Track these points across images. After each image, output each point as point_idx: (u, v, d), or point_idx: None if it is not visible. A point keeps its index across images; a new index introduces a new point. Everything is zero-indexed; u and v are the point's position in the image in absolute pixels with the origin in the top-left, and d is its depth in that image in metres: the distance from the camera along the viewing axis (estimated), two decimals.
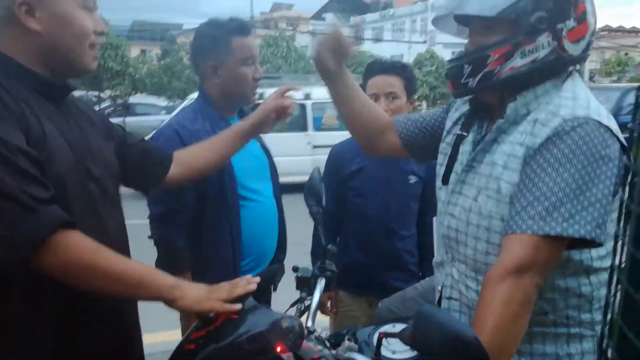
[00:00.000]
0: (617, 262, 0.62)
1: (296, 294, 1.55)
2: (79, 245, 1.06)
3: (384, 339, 1.15)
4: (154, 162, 1.46)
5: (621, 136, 1.04)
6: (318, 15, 48.96)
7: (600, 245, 0.99)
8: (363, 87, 2.08)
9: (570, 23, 1.09)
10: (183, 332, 1.72)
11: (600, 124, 1.02)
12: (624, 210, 0.60)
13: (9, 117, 1.04)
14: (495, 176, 1.12)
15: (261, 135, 1.86)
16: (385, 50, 26.59)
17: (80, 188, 1.17)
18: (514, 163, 1.09)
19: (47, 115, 1.14)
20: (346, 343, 1.43)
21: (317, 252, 2.02)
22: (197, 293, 1.15)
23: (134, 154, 1.42)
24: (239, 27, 1.75)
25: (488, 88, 1.16)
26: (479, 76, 1.13)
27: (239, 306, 1.18)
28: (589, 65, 24.99)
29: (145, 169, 1.45)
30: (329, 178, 2.03)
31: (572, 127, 1.02)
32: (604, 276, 1.10)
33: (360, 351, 1.32)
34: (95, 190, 1.22)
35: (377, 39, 38.64)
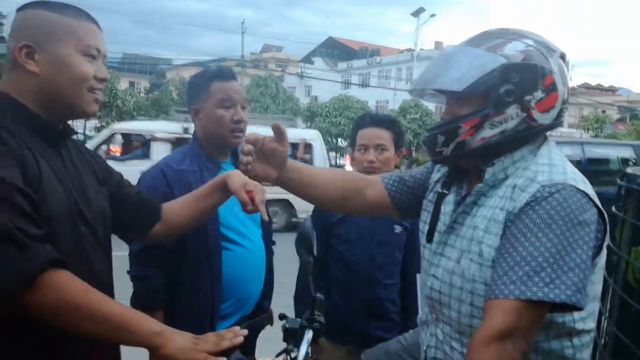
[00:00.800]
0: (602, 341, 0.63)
1: (280, 342, 1.55)
2: (69, 285, 1.05)
3: None
4: (143, 215, 1.47)
5: (597, 201, 1.07)
6: (307, 59, 49.93)
7: (581, 309, 1.00)
8: (353, 137, 2.14)
9: (538, 94, 1.13)
10: None
11: (577, 189, 1.05)
12: (609, 290, 0.62)
13: (7, 155, 1.06)
14: (477, 240, 1.13)
15: None
16: (371, 96, 27.12)
17: (70, 229, 1.17)
18: (495, 227, 1.11)
19: (45, 157, 1.15)
20: None
21: (303, 299, 2.01)
22: (181, 342, 1.11)
23: (127, 203, 1.44)
24: (219, 72, 1.84)
25: (461, 156, 1.20)
26: (452, 146, 1.18)
27: (223, 359, 1.17)
28: (568, 119, 25.73)
29: (133, 220, 1.45)
30: (315, 225, 2.05)
31: (550, 192, 1.04)
32: (586, 338, 1.12)
33: None
34: (86, 233, 1.22)
35: (364, 85, 39.44)
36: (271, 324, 1.80)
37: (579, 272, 0.99)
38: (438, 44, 48.81)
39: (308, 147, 9.89)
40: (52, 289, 1.02)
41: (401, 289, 2.11)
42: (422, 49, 37.34)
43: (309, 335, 1.55)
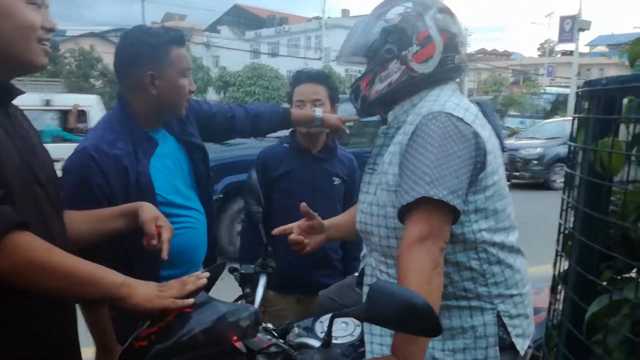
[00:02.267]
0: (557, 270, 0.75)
1: (233, 294, 1.59)
2: (32, 245, 1.05)
3: (334, 322, 1.21)
4: None
5: (474, 124, 1.26)
6: (213, 28, 48.33)
7: (458, 212, 1.17)
8: (290, 94, 2.19)
9: (414, 48, 1.32)
10: None
11: (451, 115, 1.23)
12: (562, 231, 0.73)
13: None
14: (384, 172, 1.32)
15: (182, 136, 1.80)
16: (281, 65, 26.90)
17: (26, 191, 1.14)
18: (395, 158, 1.30)
19: None
20: (296, 330, 1.50)
21: (252, 250, 2.05)
22: (146, 291, 1.14)
23: None
24: (178, 37, 1.68)
25: (367, 108, 1.43)
26: (359, 100, 1.42)
27: (190, 301, 1.20)
28: (468, 85, 27.17)
29: None
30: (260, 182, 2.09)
31: (428, 119, 1.23)
32: (493, 251, 1.30)
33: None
34: (41, 194, 1.19)
35: (274, 54, 39.00)
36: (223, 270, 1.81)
37: (454, 178, 1.16)
38: (345, 12, 49.16)
39: (82, 114, 8.37)
40: (17, 250, 1.02)
41: None
42: (329, 17, 37.50)
43: (263, 279, 1.62)
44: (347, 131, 2.02)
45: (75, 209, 1.44)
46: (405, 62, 1.32)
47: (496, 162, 1.29)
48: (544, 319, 1.67)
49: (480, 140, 1.23)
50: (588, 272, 0.65)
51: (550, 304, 0.80)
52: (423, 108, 1.29)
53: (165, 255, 1.40)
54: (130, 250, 1.58)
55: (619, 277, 0.69)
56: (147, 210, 1.42)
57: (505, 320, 1.31)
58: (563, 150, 10.57)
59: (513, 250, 1.34)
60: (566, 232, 0.73)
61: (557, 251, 0.78)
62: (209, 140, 1.95)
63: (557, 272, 0.76)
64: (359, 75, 1.43)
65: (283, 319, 2.13)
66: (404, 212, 1.17)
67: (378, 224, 1.35)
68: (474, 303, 1.29)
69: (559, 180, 10.40)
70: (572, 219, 0.72)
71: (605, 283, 0.68)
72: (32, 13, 1.13)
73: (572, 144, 0.74)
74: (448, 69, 1.35)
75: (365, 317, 1.07)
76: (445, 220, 1.16)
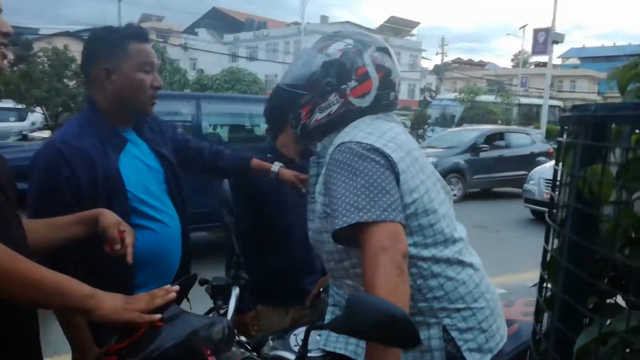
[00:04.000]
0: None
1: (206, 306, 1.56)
2: None
3: (313, 334, 1.19)
4: None
5: (386, 149, 1.28)
6: (190, 30, 48.05)
7: (403, 225, 1.19)
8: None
9: (352, 83, 1.39)
10: None
11: (359, 143, 1.28)
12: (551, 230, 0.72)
13: None
14: (316, 200, 1.40)
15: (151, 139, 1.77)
16: (259, 69, 26.84)
17: None
18: (321, 187, 1.37)
19: None
20: (270, 342, 1.47)
21: (230, 263, 2.02)
22: (113, 303, 1.11)
23: None
24: (137, 32, 1.66)
25: (307, 135, 1.49)
26: (299, 127, 1.48)
27: (158, 316, 1.16)
28: (444, 94, 27.54)
29: None
30: (238, 193, 2.06)
31: (338, 149, 1.29)
32: (424, 266, 1.30)
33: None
34: (2, 198, 1.15)
35: (252, 58, 38.92)
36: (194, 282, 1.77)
37: (383, 196, 1.18)
38: (324, 18, 49.43)
39: None
40: None
41: None
42: (308, 23, 37.63)
43: (236, 291, 1.59)
44: (303, 189, 1.99)
45: (42, 202, 1.44)
46: (344, 96, 1.39)
47: (415, 180, 1.31)
48: (515, 331, 1.68)
49: (390, 160, 1.26)
50: (575, 298, 0.63)
51: (535, 332, 0.78)
52: (338, 138, 1.36)
53: (130, 259, 1.36)
54: (100, 259, 1.51)
55: (604, 302, 0.68)
56: (108, 216, 1.38)
57: (454, 334, 1.30)
58: (459, 160, 10.51)
59: (452, 262, 1.33)
60: (550, 257, 0.72)
61: (541, 276, 0.76)
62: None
63: (541, 298, 0.74)
64: (297, 106, 1.47)
65: (273, 330, 2.12)
66: (349, 235, 1.19)
67: (320, 248, 1.43)
68: (418, 319, 1.29)
69: (455, 190, 10.12)
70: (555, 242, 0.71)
71: (591, 307, 0.67)
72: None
73: (559, 168, 0.72)
74: (383, 105, 1.42)
75: (344, 329, 1.05)
76: (396, 231, 1.17)
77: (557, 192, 0.72)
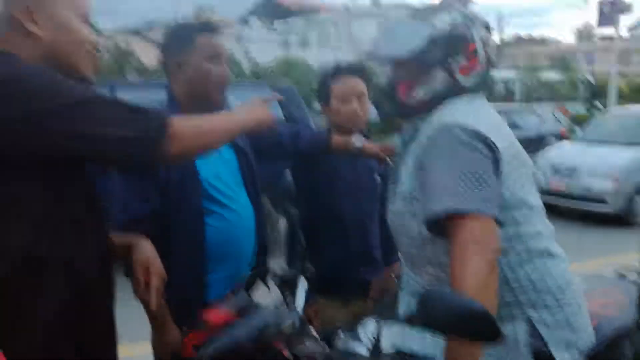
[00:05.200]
0: None
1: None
2: (188, 124, 1.26)
3: (383, 328, 1.17)
4: None
5: (490, 134, 1.22)
6: (243, 20, 48.59)
7: (498, 221, 1.13)
8: (326, 88, 2.11)
9: (461, 60, 1.31)
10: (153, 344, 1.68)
11: (462, 126, 1.21)
12: None
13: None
14: (402, 181, 1.35)
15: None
16: (312, 57, 26.87)
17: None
18: (410, 168, 1.32)
19: None
20: (341, 335, 1.47)
21: (293, 254, 2.02)
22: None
23: None
24: (204, 25, 1.75)
25: (399, 113, 1.41)
26: (392, 105, 1.39)
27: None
28: (504, 73, 26.54)
29: None
30: (299, 183, 2.05)
31: (440, 131, 1.23)
32: (514, 258, 1.26)
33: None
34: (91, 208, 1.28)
35: (303, 44, 38.91)
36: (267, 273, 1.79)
37: (484, 187, 1.13)
38: (375, 1, 48.69)
39: None
40: (179, 133, 1.19)
41: (381, 232, 2.18)
42: (358, 6, 37.10)
43: (303, 282, 1.59)
44: (389, 161, 1.94)
45: (123, 183, 1.62)
46: (451, 72, 1.32)
47: (515, 172, 1.26)
48: (595, 325, 1.59)
49: (494, 149, 1.20)
50: None
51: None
52: (436, 118, 1.28)
53: (153, 306, 1.36)
54: (170, 243, 1.64)
55: None
56: (140, 251, 1.39)
57: (541, 329, 1.25)
58: None
59: (542, 254, 1.28)
60: None
61: None
62: (256, 156, 1.96)
63: None
64: (391, 75, 1.39)
65: (334, 324, 2.12)
66: (442, 222, 1.13)
67: (400, 232, 1.38)
68: (503, 312, 1.23)
69: None
70: None
71: None
72: (84, 29, 1.23)
73: None
74: (483, 84, 1.35)
75: (419, 323, 1.02)
76: (489, 226, 1.12)
77: None
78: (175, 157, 1.21)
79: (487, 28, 1.37)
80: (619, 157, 7.17)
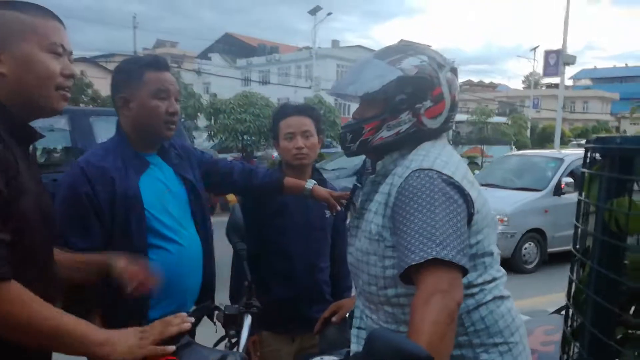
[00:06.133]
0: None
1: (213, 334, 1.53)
2: (18, 298, 1.04)
3: None
4: None
5: (464, 185, 1.24)
6: (204, 55, 48.84)
7: (466, 271, 1.13)
8: (275, 128, 2.16)
9: (427, 103, 1.32)
10: None
11: (440, 173, 1.21)
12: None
13: None
14: (369, 220, 1.32)
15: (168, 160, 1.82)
16: (272, 93, 27.09)
17: (36, 230, 1.15)
18: (380, 209, 1.29)
19: (19, 156, 1.13)
20: None
21: (240, 289, 2.00)
22: (126, 345, 1.13)
23: None
24: (153, 61, 1.74)
25: (364, 152, 1.40)
26: (357, 143, 1.37)
27: (172, 348, 1.16)
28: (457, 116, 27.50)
29: None
30: (248, 218, 2.04)
31: (418, 176, 1.22)
32: (471, 302, 1.27)
33: None
34: (45, 233, 1.20)
35: (264, 82, 39.36)
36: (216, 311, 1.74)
37: (457, 237, 1.13)
38: (335, 42, 49.98)
39: None
40: (2, 303, 1.01)
41: (331, 269, 2.18)
42: (320, 47, 38.04)
43: (248, 320, 1.57)
44: (338, 207, 1.97)
45: (66, 218, 1.53)
46: (417, 115, 1.32)
47: (483, 222, 1.28)
48: None
49: (469, 199, 1.22)
50: (602, 329, 0.61)
51: None
52: (413, 162, 1.28)
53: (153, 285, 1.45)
54: (115, 281, 1.55)
55: (633, 333, 0.65)
56: (118, 263, 1.44)
57: None
58: (346, 183, 9.28)
59: (495, 297, 1.30)
60: (576, 288, 0.70)
61: (567, 306, 0.74)
62: (208, 188, 1.96)
63: (568, 328, 0.71)
64: (358, 119, 1.39)
65: (279, 358, 2.08)
66: (411, 270, 1.12)
67: (362, 269, 1.35)
68: (456, 352, 1.23)
69: None
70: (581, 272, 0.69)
71: (619, 337, 0.65)
72: (52, 62, 1.19)
73: (583, 199, 0.70)
74: (447, 127, 1.37)
75: None
76: (457, 278, 1.12)
77: (580, 223, 0.70)
78: None
79: (453, 71, 1.38)
80: (510, 201, 6.97)
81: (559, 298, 1.38)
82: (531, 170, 7.90)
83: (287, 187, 2.01)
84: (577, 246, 0.69)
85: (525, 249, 7.00)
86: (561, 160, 7.56)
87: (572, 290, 0.69)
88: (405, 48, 1.37)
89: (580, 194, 0.72)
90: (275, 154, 17.44)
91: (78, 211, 1.57)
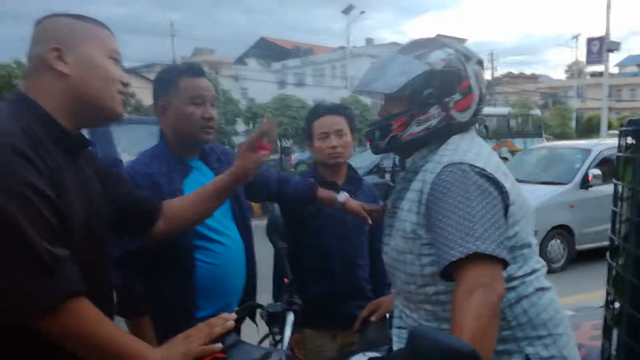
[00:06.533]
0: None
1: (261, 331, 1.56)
2: (87, 315, 1.06)
3: None
4: (142, 214, 1.47)
5: (497, 176, 1.22)
6: (240, 61, 49.48)
7: (507, 264, 1.12)
8: (309, 129, 2.18)
9: (456, 97, 1.31)
10: None
11: (472, 166, 1.20)
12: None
13: (41, 167, 1.04)
14: (403, 219, 1.31)
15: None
16: (307, 94, 27.22)
17: (84, 244, 1.16)
18: (414, 206, 1.28)
19: (66, 169, 1.14)
20: None
21: (281, 288, 2.03)
22: (177, 356, 1.16)
23: (125, 203, 1.42)
24: (188, 68, 1.81)
25: (393, 149, 1.40)
26: (386, 140, 1.37)
27: (219, 346, 1.20)
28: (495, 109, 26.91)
29: (133, 220, 1.46)
30: (286, 218, 2.08)
31: (450, 170, 1.21)
32: (513, 295, 1.25)
33: None
34: (94, 246, 1.22)
35: (300, 84, 39.59)
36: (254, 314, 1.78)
37: (496, 230, 1.12)
38: (369, 41, 49.73)
39: None
40: (71, 318, 1.03)
41: (370, 267, 2.19)
42: (354, 47, 37.95)
43: (290, 317, 1.60)
44: (369, 221, 1.97)
45: None
46: (446, 109, 1.31)
47: (519, 212, 1.27)
48: (584, 356, 1.59)
49: (504, 191, 1.21)
50: None
51: (604, 348, 0.74)
52: (444, 157, 1.27)
53: None
54: (163, 283, 1.68)
55: None
56: (241, 155, 1.53)
57: None
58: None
59: (537, 289, 1.29)
60: (616, 273, 0.69)
61: (607, 293, 0.73)
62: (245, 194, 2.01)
63: (609, 315, 0.71)
64: (386, 116, 1.38)
65: (321, 355, 2.11)
66: (451, 267, 1.12)
67: (398, 268, 1.35)
68: (500, 347, 1.22)
69: None
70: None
71: None
72: (114, 67, 1.23)
73: (619, 182, 0.70)
74: (476, 120, 1.35)
75: None
76: (498, 271, 1.11)
77: (618, 207, 0.69)
78: (46, 331, 1.02)
79: (480, 63, 1.37)
80: (533, 196, 6.24)
81: (588, 299, 1.35)
82: (558, 162, 7.49)
83: (319, 198, 2.04)
84: (616, 232, 0.68)
85: (551, 246, 6.63)
86: (588, 151, 7.10)
87: (612, 275, 0.68)
88: (429, 42, 1.37)
89: (616, 179, 0.71)
90: (295, 156, 17.48)
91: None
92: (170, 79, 1.78)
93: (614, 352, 0.70)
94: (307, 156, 16.24)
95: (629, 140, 0.65)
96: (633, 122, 0.63)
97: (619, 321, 0.64)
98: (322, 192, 2.04)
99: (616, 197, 0.70)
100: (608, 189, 5.87)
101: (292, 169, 15.33)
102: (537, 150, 8.72)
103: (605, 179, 6.49)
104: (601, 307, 2.05)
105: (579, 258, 6.46)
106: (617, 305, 0.69)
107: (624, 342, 0.63)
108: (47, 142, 1.11)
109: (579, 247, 6.67)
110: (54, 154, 1.11)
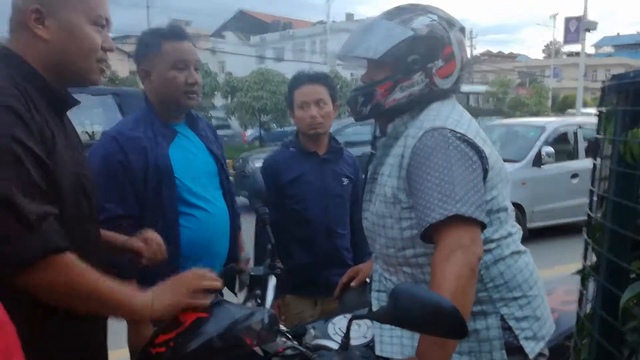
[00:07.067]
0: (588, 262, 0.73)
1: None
2: (73, 268, 1.06)
3: (353, 323, 1.19)
4: None
5: (477, 142, 1.25)
6: (218, 33, 48.55)
7: (485, 226, 1.16)
8: (290, 97, 2.17)
9: (439, 63, 1.31)
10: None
11: (453, 131, 1.22)
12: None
13: (32, 124, 1.03)
14: (383, 184, 1.33)
15: (205, 136, 1.86)
16: (286, 69, 26.97)
17: (75, 203, 1.16)
18: (394, 171, 1.30)
19: (55, 125, 1.13)
20: (311, 332, 1.49)
21: (263, 253, 2.05)
22: (162, 304, 1.17)
23: None
24: (170, 32, 1.76)
25: (377, 115, 1.39)
26: (369, 106, 1.36)
27: (205, 302, 1.21)
28: (475, 86, 27.10)
29: None
30: (267, 185, 2.08)
31: (432, 135, 1.23)
32: (489, 257, 1.29)
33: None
34: (85, 206, 1.22)
35: (279, 59, 39.13)
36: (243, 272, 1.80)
37: (475, 193, 1.15)
38: (349, 16, 49.26)
39: None
40: (52, 273, 1.03)
41: (351, 236, 2.22)
42: (334, 21, 37.58)
43: (273, 281, 1.62)
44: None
45: (101, 186, 1.52)
46: (429, 75, 1.31)
47: (497, 177, 1.30)
48: (556, 319, 1.66)
49: (483, 156, 1.24)
50: (620, 260, 0.64)
51: (582, 294, 0.78)
52: (425, 122, 1.28)
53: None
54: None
55: None
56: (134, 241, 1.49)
57: (511, 323, 1.29)
58: None
59: (513, 252, 1.33)
60: (595, 223, 0.72)
61: (586, 242, 0.76)
62: None
63: (587, 263, 0.74)
64: (369, 82, 1.38)
65: (303, 320, 2.14)
66: (431, 229, 1.15)
67: (378, 233, 1.36)
68: (476, 308, 1.26)
69: None
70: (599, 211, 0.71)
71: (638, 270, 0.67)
72: (95, 35, 1.19)
73: (600, 136, 0.73)
74: (457, 87, 1.36)
75: (388, 319, 1.04)
76: (477, 233, 1.15)
77: (598, 161, 0.72)
78: (29, 285, 1.02)
79: (462, 31, 1.37)
80: None
81: (540, 276, 1.41)
82: (513, 140, 7.40)
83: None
84: (595, 186, 0.71)
85: None
86: (542, 128, 7.02)
87: (591, 227, 0.71)
88: (414, 8, 1.36)
89: (598, 133, 0.74)
90: (245, 132, 17.37)
91: (114, 179, 1.62)
92: (151, 43, 1.74)
93: (589, 298, 0.74)
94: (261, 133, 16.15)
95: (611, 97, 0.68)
96: (616, 76, 0.65)
97: (596, 269, 0.68)
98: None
99: (594, 152, 0.73)
100: (561, 166, 5.89)
101: (246, 145, 15.22)
102: (496, 128, 8.57)
103: (558, 157, 6.60)
104: (575, 273, 2.13)
105: (530, 236, 6.10)
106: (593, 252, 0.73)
107: (602, 287, 0.66)
108: (36, 98, 1.10)
109: (530, 225, 6.51)
110: (42, 111, 1.10)
